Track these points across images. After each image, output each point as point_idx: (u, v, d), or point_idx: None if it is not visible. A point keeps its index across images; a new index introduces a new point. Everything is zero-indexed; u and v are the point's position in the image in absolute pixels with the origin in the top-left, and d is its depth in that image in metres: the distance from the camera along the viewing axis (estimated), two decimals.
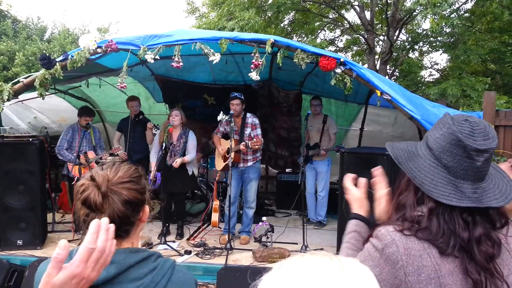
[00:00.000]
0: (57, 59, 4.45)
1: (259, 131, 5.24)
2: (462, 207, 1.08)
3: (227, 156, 5.20)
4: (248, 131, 5.25)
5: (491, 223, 1.11)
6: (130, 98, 6.14)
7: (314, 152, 5.94)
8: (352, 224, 1.45)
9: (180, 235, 5.43)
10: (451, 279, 1.06)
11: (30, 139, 4.82)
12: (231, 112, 5.08)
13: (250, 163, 5.24)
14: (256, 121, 5.28)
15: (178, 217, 5.61)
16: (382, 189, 1.44)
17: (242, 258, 4.64)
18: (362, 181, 1.51)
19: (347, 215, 4.82)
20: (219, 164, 5.52)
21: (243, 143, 5.03)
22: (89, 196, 1.14)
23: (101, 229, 0.88)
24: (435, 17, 7.40)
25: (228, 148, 5.13)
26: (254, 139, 5.04)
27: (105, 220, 0.91)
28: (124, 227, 1.18)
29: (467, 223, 1.08)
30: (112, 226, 0.92)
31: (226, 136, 5.48)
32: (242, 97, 5.21)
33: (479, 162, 1.09)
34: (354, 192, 1.50)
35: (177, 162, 5.24)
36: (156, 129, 5.50)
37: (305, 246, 4.75)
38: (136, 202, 1.20)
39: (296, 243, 5.06)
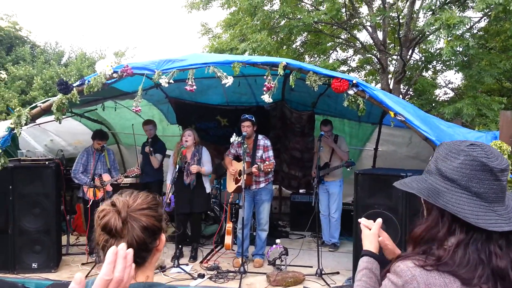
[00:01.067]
0: (74, 84, 4.54)
1: (271, 153, 5.23)
2: (498, 233, 1.06)
3: (239, 178, 5.19)
4: (260, 153, 5.24)
5: None
6: (145, 122, 6.24)
7: (324, 171, 5.88)
8: (363, 261, 1.42)
9: (193, 258, 5.39)
10: None
11: (46, 163, 4.91)
12: (244, 133, 5.09)
13: (262, 185, 5.22)
14: (268, 143, 5.27)
15: (193, 239, 5.59)
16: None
17: (256, 282, 4.58)
18: (378, 221, 1.51)
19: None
20: (231, 186, 5.50)
21: (255, 165, 5.02)
22: (110, 221, 1.17)
23: (118, 258, 0.87)
24: (449, 37, 7.35)
25: (240, 170, 5.12)
26: (266, 162, 5.03)
27: (122, 246, 0.89)
28: (141, 253, 1.20)
29: (501, 248, 1.06)
30: (130, 252, 0.90)
31: (237, 158, 5.48)
32: (253, 118, 5.23)
33: (504, 181, 1.09)
34: (366, 230, 1.50)
35: (193, 168, 5.25)
36: (152, 154, 5.66)
37: (320, 269, 4.66)
38: (154, 229, 1.23)
39: (311, 266, 4.98)
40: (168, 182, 5.43)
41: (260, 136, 5.31)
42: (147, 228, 1.20)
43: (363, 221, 1.52)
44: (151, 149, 5.90)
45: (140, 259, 1.19)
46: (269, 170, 5.00)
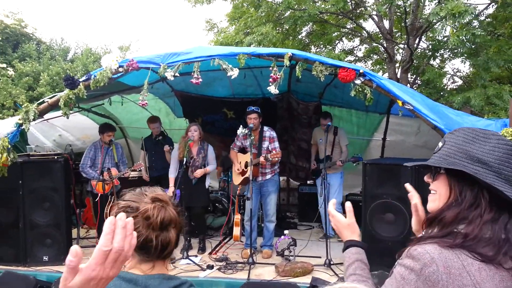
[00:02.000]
0: (81, 80, 4.56)
1: (277, 144, 5.25)
2: None
3: (245, 170, 5.21)
4: (266, 144, 5.26)
5: None
6: (151, 120, 6.27)
7: (328, 164, 5.64)
8: (352, 253, 1.36)
9: (202, 249, 5.43)
10: None
11: (55, 157, 4.94)
12: (251, 125, 5.09)
13: (268, 176, 5.24)
14: (274, 134, 5.30)
15: (199, 232, 5.62)
16: (417, 200, 1.41)
17: (265, 273, 4.60)
18: (348, 205, 1.44)
19: (371, 227, 4.71)
20: (237, 179, 5.51)
21: (263, 155, 5.03)
22: (166, 214, 1.24)
23: (117, 228, 0.83)
24: (455, 27, 7.25)
25: (246, 161, 5.13)
26: (273, 152, 5.03)
27: (122, 215, 0.84)
28: (171, 248, 1.27)
29: None
30: (130, 220, 0.85)
31: (243, 150, 5.50)
32: (259, 110, 5.23)
33: None
34: (341, 219, 1.43)
35: (197, 172, 5.28)
36: (172, 150, 5.69)
37: (329, 260, 4.67)
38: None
39: (320, 257, 4.98)
40: (171, 175, 5.46)
41: (265, 128, 5.32)
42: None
43: (332, 210, 1.44)
44: (170, 147, 5.93)
45: (167, 254, 1.25)
46: (277, 159, 5.01)
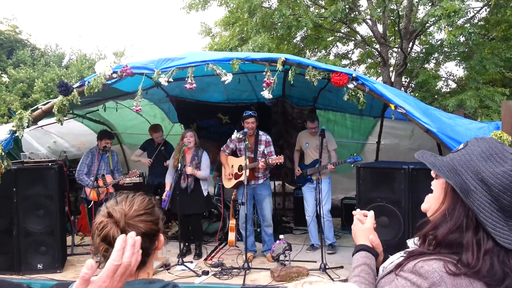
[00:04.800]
0: (74, 86, 4.55)
1: (272, 148, 5.31)
2: None
3: (239, 173, 5.22)
4: (261, 148, 5.30)
5: None
6: (154, 130, 6.31)
7: (318, 169, 5.32)
8: (361, 256, 1.36)
9: (198, 255, 5.42)
10: None
11: (49, 164, 4.92)
12: (245, 130, 5.10)
13: (261, 181, 5.32)
14: (269, 138, 5.35)
15: (195, 238, 5.61)
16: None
17: (260, 278, 4.59)
18: (371, 213, 1.46)
19: None
20: (228, 183, 5.52)
21: (263, 159, 5.05)
22: (109, 233, 1.20)
23: (127, 245, 0.92)
24: (450, 28, 7.33)
25: (240, 165, 5.14)
26: (269, 156, 5.07)
27: (132, 234, 0.95)
28: (142, 258, 1.20)
29: None
30: (138, 239, 0.96)
31: (234, 154, 5.52)
32: (256, 114, 5.25)
33: None
34: (360, 223, 1.45)
35: (189, 168, 5.28)
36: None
37: (324, 264, 4.67)
38: (152, 233, 1.26)
39: (315, 261, 4.98)
40: (167, 181, 5.47)
41: (260, 132, 5.36)
42: (145, 234, 1.22)
43: (357, 213, 1.46)
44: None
45: (141, 264, 1.19)
46: (276, 163, 5.03)
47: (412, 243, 1.27)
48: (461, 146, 1.18)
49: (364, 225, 1.43)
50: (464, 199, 1.06)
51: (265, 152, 5.26)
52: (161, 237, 1.30)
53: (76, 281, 0.88)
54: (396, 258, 1.28)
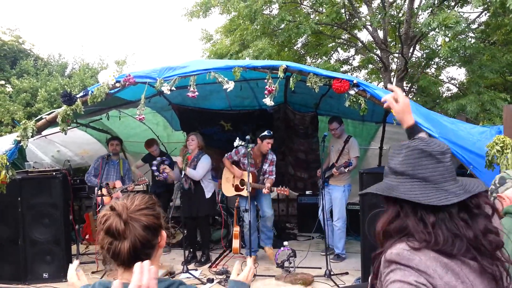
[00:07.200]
0: (78, 95, 4.60)
1: (274, 168, 5.47)
2: (458, 207, 1.13)
3: (241, 187, 5.41)
4: (266, 166, 5.46)
5: (486, 215, 1.17)
6: (147, 145, 6.45)
7: (328, 173, 5.53)
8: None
9: (203, 262, 5.41)
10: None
11: (54, 173, 4.96)
12: (252, 145, 5.18)
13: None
14: (275, 158, 5.52)
15: (204, 243, 5.62)
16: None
17: (265, 285, 4.59)
18: (396, 90, 1.95)
19: (370, 237, 4.71)
20: (229, 190, 5.60)
21: (268, 186, 5.15)
22: (112, 224, 1.26)
23: (144, 270, 1.04)
24: (447, 36, 7.34)
25: (242, 180, 5.22)
26: (267, 175, 5.37)
27: (146, 262, 1.06)
28: (146, 250, 1.30)
29: (467, 221, 1.13)
30: (153, 268, 1.06)
31: (235, 163, 5.62)
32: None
33: (447, 162, 1.19)
34: (395, 104, 1.91)
35: (178, 159, 5.41)
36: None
37: (329, 270, 4.67)
38: (154, 226, 1.33)
39: (320, 268, 4.98)
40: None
41: (270, 151, 5.48)
42: (147, 227, 1.30)
43: (387, 99, 1.90)
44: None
45: (145, 256, 1.28)
46: (282, 193, 5.24)
47: None
48: None
49: (399, 104, 1.90)
50: (388, 194, 1.20)
51: (267, 170, 5.43)
52: (163, 233, 1.38)
53: None
54: None
